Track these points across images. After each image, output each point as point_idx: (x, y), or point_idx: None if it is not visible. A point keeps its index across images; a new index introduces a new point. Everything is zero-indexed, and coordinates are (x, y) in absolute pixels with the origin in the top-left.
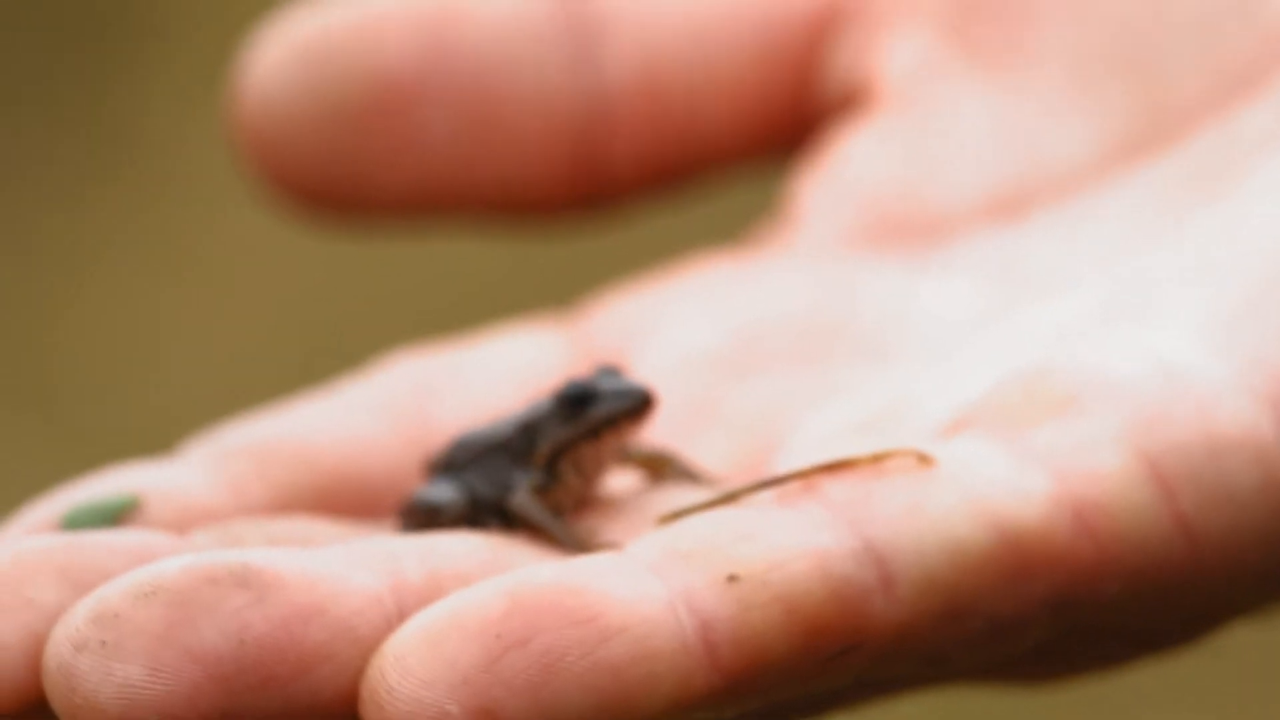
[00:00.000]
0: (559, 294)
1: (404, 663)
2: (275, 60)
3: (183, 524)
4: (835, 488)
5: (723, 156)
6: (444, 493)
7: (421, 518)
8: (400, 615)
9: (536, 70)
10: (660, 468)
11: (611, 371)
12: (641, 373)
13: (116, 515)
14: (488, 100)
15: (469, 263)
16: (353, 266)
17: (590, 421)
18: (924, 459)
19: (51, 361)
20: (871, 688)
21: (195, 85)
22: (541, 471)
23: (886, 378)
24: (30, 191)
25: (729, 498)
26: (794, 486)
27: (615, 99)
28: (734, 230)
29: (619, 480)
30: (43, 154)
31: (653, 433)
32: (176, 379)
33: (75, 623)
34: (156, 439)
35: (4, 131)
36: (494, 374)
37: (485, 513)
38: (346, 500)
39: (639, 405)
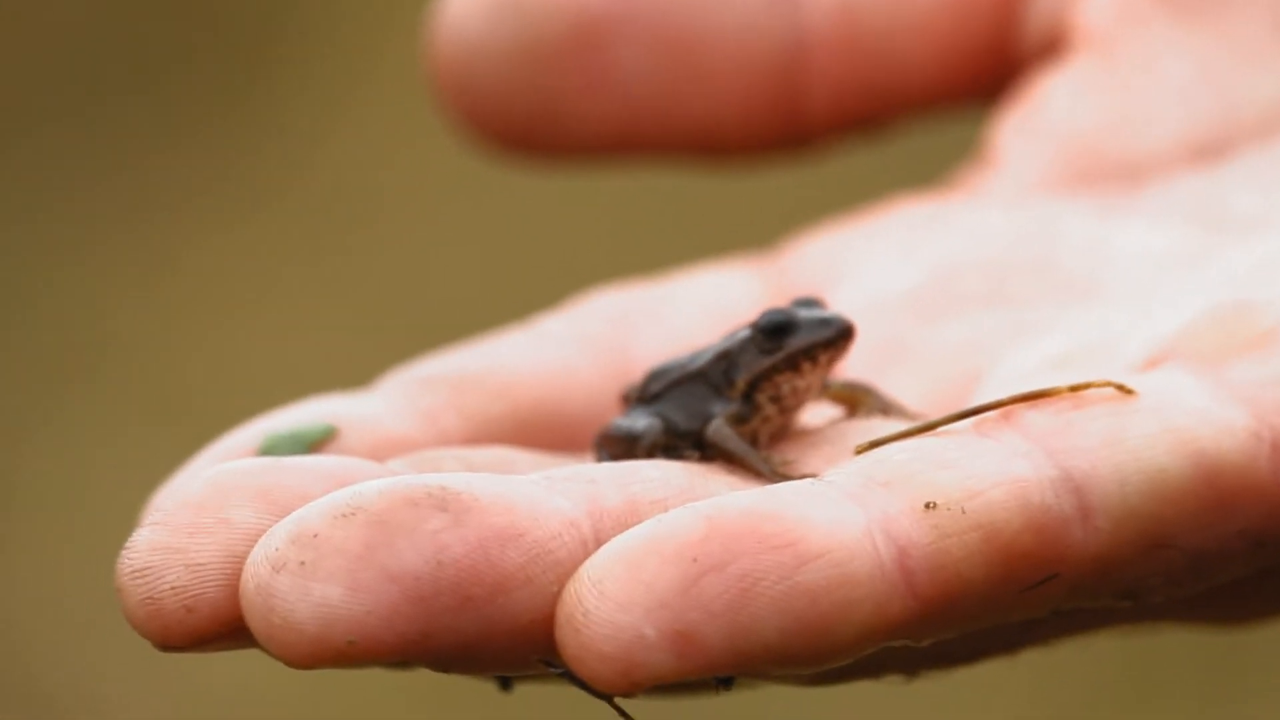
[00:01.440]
0: (756, 226)
1: (601, 586)
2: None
3: (378, 453)
4: (1034, 418)
5: (920, 101)
6: (641, 421)
7: (618, 446)
8: (597, 540)
9: (736, 9)
10: (858, 401)
11: (810, 303)
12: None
13: (313, 443)
14: (686, 39)
15: (664, 197)
16: (548, 201)
17: (789, 351)
18: (1123, 390)
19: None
20: (1067, 622)
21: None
22: (739, 401)
23: (1085, 317)
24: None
25: (927, 427)
26: (992, 417)
27: (813, 40)
28: (932, 171)
29: (816, 413)
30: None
31: (849, 371)
32: (375, 318)
33: (274, 543)
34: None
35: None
36: (692, 310)
37: (682, 442)
38: (544, 432)
39: (838, 335)
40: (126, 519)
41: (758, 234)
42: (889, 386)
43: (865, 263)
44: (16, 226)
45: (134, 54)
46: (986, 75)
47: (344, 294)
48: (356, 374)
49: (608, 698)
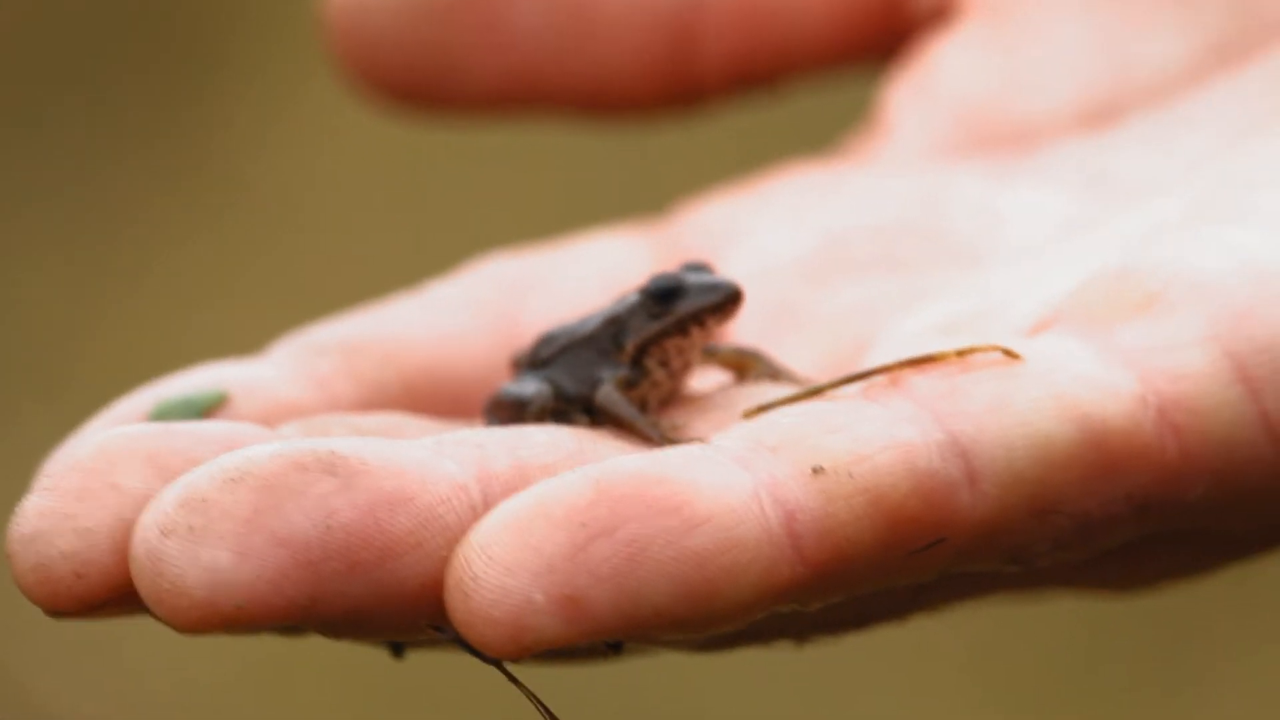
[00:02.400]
0: (650, 183)
1: (489, 550)
2: None
3: (270, 419)
4: (921, 382)
5: (812, 60)
6: (530, 387)
7: (508, 412)
8: (486, 504)
9: None
10: (747, 366)
11: (699, 268)
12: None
13: (204, 409)
14: None
15: (554, 154)
16: (439, 160)
17: (677, 316)
18: (1010, 355)
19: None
20: (956, 586)
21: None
22: (628, 366)
23: (975, 282)
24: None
25: (814, 392)
26: (880, 381)
27: None
28: (823, 132)
29: (706, 378)
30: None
31: (740, 337)
32: (274, 286)
33: (163, 507)
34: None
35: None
36: (583, 276)
37: (571, 407)
38: (434, 398)
39: (726, 300)
40: None
41: (652, 191)
42: (780, 352)
43: (756, 229)
44: None
45: (72, 66)
46: (879, 36)
47: (296, 295)
48: None
49: (496, 662)
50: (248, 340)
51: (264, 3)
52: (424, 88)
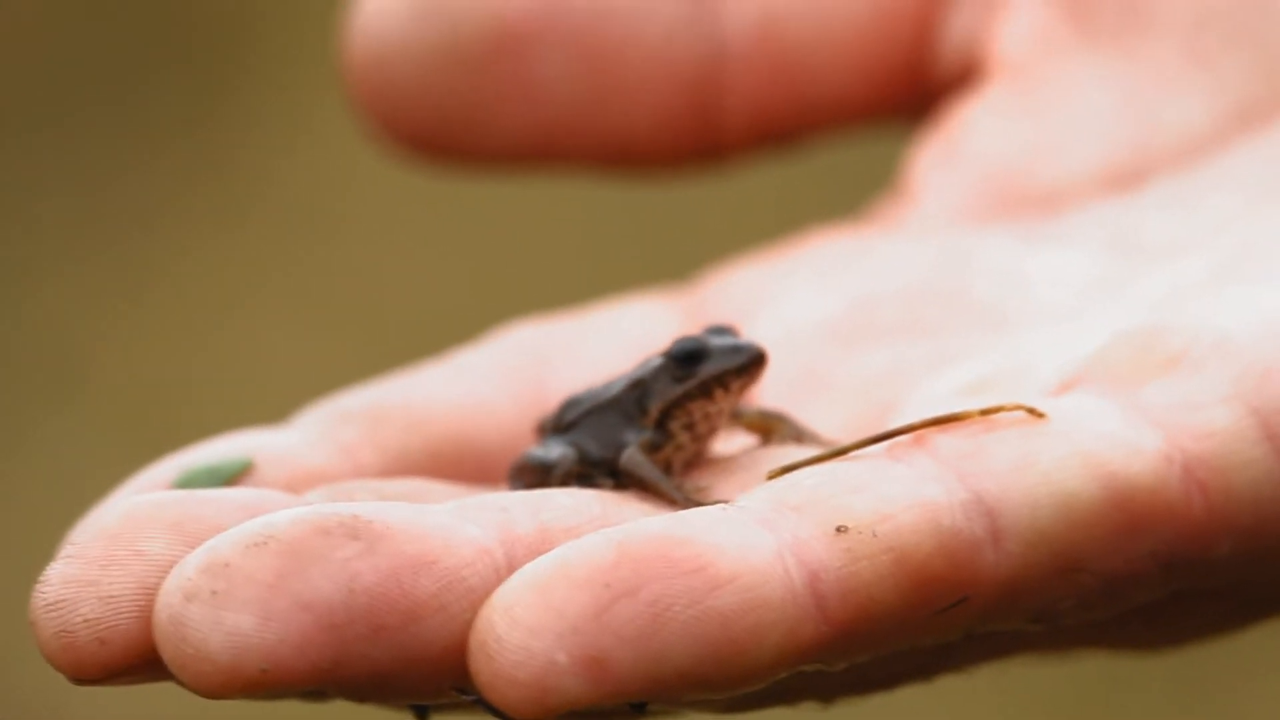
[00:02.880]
0: (668, 233)
1: (512, 612)
2: (388, 1)
3: (294, 486)
4: (945, 442)
5: (836, 118)
6: (555, 451)
7: (533, 476)
8: (510, 567)
9: (657, 20)
10: (772, 429)
11: (723, 330)
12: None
13: (229, 477)
14: (607, 48)
15: (576, 199)
16: (504, 208)
17: (701, 378)
18: (1034, 414)
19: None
20: (982, 646)
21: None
22: (652, 429)
23: (1000, 344)
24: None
25: (839, 452)
26: (904, 441)
27: (733, 54)
28: (846, 187)
29: (731, 441)
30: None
31: (766, 403)
32: (293, 293)
33: (186, 573)
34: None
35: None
36: (609, 342)
37: (596, 471)
38: (460, 465)
39: (750, 362)
40: None
41: (677, 244)
42: (807, 417)
43: (783, 294)
44: None
45: (97, 70)
46: (903, 96)
47: (317, 303)
48: (332, 381)
49: None
50: (267, 347)
51: (287, 15)
52: (447, 140)
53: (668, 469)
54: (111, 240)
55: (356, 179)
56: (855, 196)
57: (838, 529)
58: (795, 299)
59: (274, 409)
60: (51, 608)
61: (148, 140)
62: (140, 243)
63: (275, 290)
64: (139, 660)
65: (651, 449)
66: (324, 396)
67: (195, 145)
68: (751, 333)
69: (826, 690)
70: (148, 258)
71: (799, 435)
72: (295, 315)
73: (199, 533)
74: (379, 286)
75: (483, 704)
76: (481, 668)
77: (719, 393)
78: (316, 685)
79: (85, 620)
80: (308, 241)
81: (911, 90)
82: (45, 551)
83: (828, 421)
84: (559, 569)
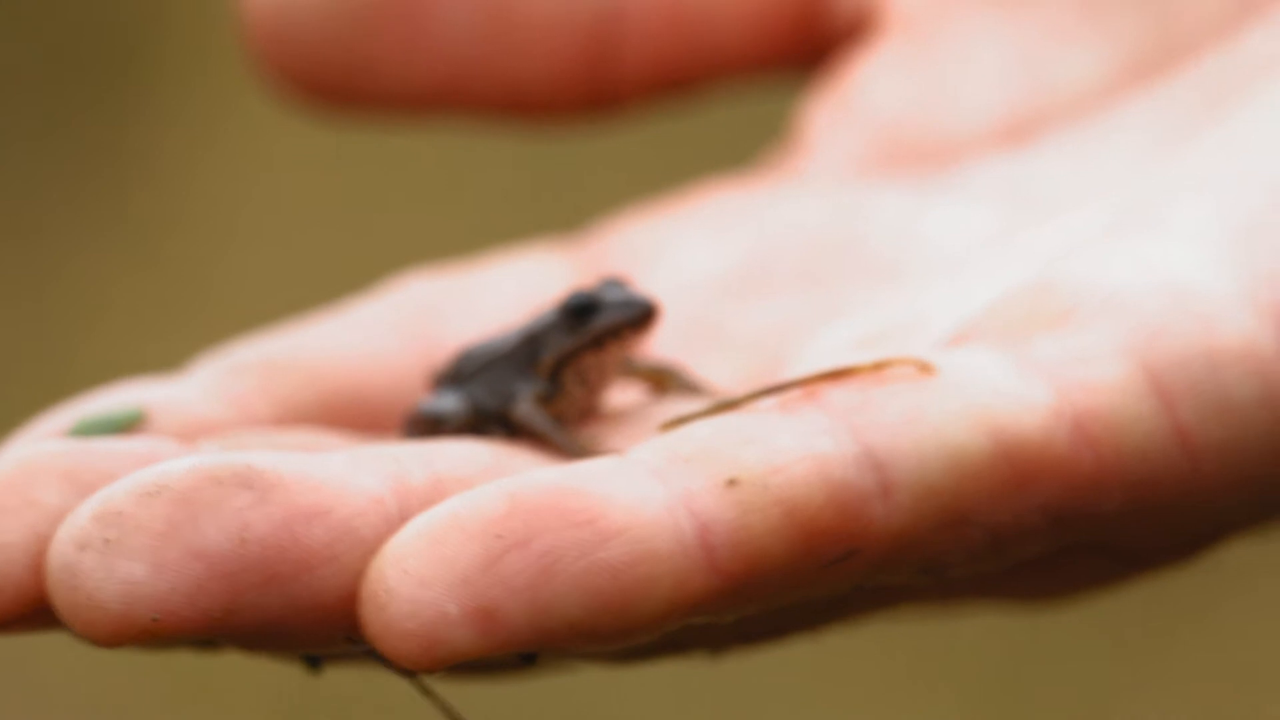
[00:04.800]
0: (563, 185)
1: (403, 563)
2: None
3: (188, 437)
4: (836, 395)
5: (731, 69)
6: (447, 402)
7: (425, 427)
8: (402, 517)
9: None
10: (664, 381)
11: (616, 283)
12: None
13: (123, 427)
14: None
15: (481, 157)
16: (362, 169)
17: (594, 331)
18: (925, 367)
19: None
20: (871, 598)
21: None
22: (545, 381)
23: (893, 298)
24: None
25: (730, 404)
26: (796, 394)
27: (628, 5)
28: (738, 142)
29: (624, 393)
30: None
31: (660, 353)
32: (206, 303)
33: (79, 521)
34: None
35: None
36: (501, 294)
37: (489, 422)
38: (352, 416)
39: (643, 315)
40: None
41: (572, 195)
42: (700, 369)
43: (677, 247)
44: None
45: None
46: (798, 47)
47: (206, 306)
48: None
49: (411, 675)
50: (177, 358)
51: (193, 17)
52: (343, 88)
53: (561, 421)
54: (23, 260)
55: (262, 185)
56: (749, 149)
57: (729, 481)
58: (689, 251)
59: None
60: None
61: (54, 159)
62: (34, 246)
63: (186, 302)
64: (31, 609)
65: (544, 401)
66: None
67: (104, 159)
68: (645, 285)
69: (716, 642)
70: (42, 260)
71: (692, 387)
72: (206, 324)
73: (92, 482)
74: (285, 289)
75: (373, 655)
76: (372, 618)
77: (611, 345)
78: (208, 634)
79: None
80: (218, 251)
81: (806, 42)
82: None
83: (721, 374)
84: (450, 520)
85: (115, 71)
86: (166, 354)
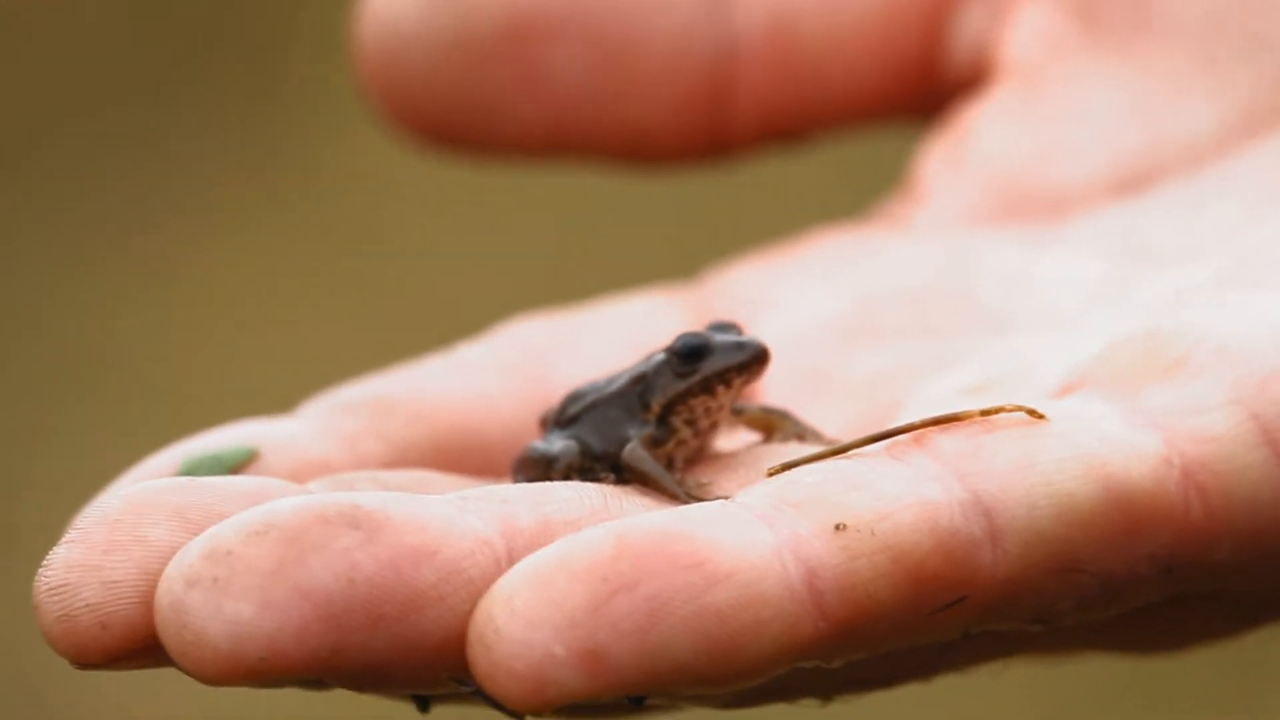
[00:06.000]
0: (676, 225)
1: (511, 604)
2: None
3: (298, 476)
4: (945, 442)
5: (843, 117)
6: (557, 444)
7: (535, 469)
8: (510, 559)
9: (670, 15)
10: (774, 426)
11: (726, 327)
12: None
13: (233, 466)
14: (619, 41)
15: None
16: (484, 189)
17: (703, 374)
18: (1035, 415)
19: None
20: (981, 646)
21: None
22: (654, 424)
23: (1004, 346)
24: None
25: (839, 450)
26: (904, 441)
27: (744, 50)
28: (853, 184)
29: (734, 438)
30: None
31: (770, 401)
32: (381, 319)
33: (188, 559)
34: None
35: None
36: (611, 338)
37: (599, 465)
38: (462, 457)
39: (752, 359)
40: None
41: (685, 236)
42: (810, 415)
43: (788, 292)
44: (26, 230)
45: (143, 58)
46: (912, 96)
47: (351, 296)
48: (353, 372)
49: (519, 716)
50: (289, 339)
51: (328, 9)
52: (457, 130)
53: (669, 464)
54: (145, 228)
55: (379, 174)
56: (862, 194)
57: (836, 526)
58: (800, 297)
59: (296, 401)
60: (54, 592)
61: (185, 130)
62: (174, 231)
63: (311, 280)
64: (140, 646)
65: (653, 444)
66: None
67: (233, 135)
68: (756, 330)
69: (825, 687)
70: (183, 246)
71: (801, 433)
72: (320, 308)
73: (201, 520)
74: (391, 277)
75: (482, 695)
76: (479, 659)
77: (721, 389)
78: (315, 674)
79: (87, 605)
80: (345, 231)
81: (920, 90)
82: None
83: (830, 420)
84: (558, 562)
85: (249, 82)
86: (281, 348)
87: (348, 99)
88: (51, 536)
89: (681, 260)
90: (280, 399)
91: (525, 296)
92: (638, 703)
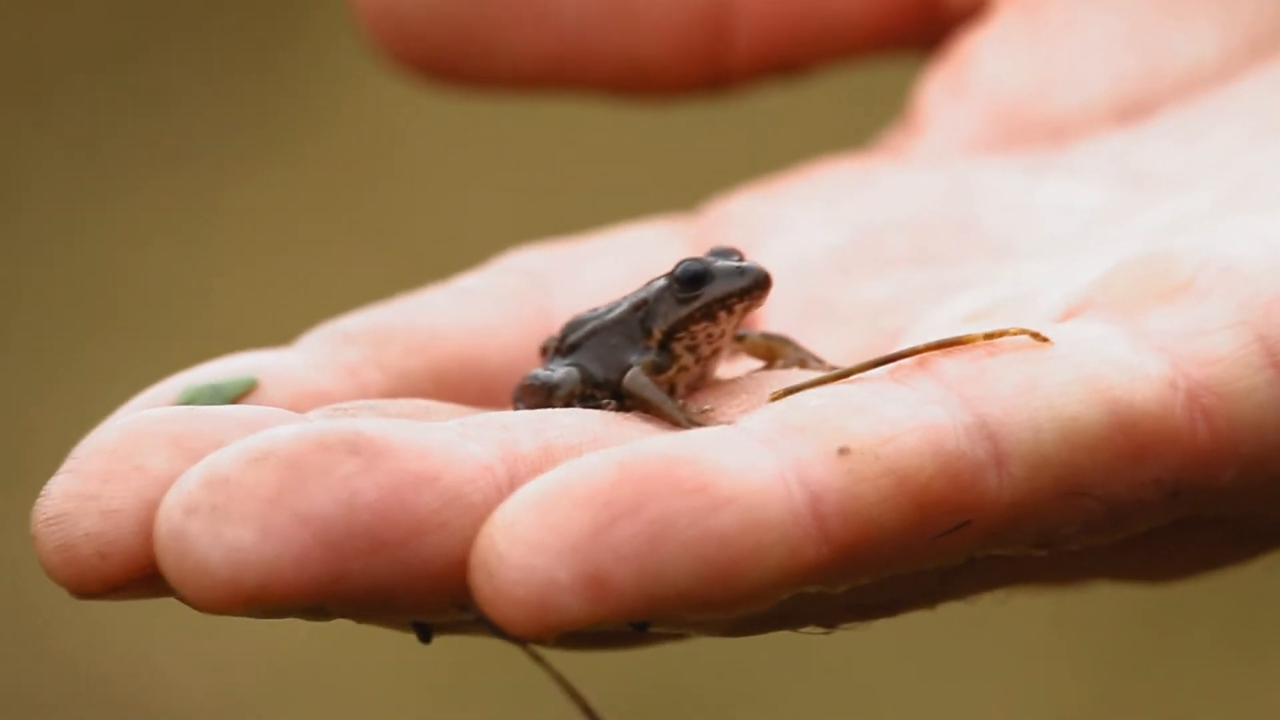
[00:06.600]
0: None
1: (513, 530)
2: None
3: (298, 405)
4: (949, 365)
5: (844, 48)
6: (558, 371)
7: (536, 396)
8: (511, 485)
9: None
10: (776, 352)
11: (727, 253)
12: None
13: (233, 396)
14: None
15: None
16: (570, 142)
17: (705, 300)
18: (1039, 339)
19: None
20: (987, 573)
21: None
22: (656, 351)
23: (1006, 272)
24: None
25: (842, 375)
26: (908, 365)
27: None
28: (853, 114)
29: (735, 364)
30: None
31: (771, 328)
32: (405, 261)
33: (187, 487)
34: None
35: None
36: (612, 266)
37: (600, 392)
38: (463, 386)
39: (754, 284)
40: None
41: (683, 168)
42: (812, 344)
43: (789, 222)
44: (46, 174)
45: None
46: (914, 28)
47: (366, 236)
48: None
49: (522, 643)
50: (306, 276)
51: None
52: (457, 65)
53: (671, 391)
54: (168, 170)
55: (392, 116)
56: (862, 126)
57: (840, 450)
58: (801, 227)
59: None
60: (52, 521)
61: (205, 72)
62: (196, 173)
63: (334, 222)
64: (139, 575)
65: (655, 370)
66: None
67: (254, 77)
68: (757, 259)
69: (829, 614)
70: (205, 188)
71: (803, 359)
72: (335, 248)
73: (199, 448)
74: (405, 217)
75: (483, 622)
76: (482, 585)
77: (722, 315)
78: (316, 601)
79: (86, 534)
80: (366, 174)
81: (920, 20)
82: None
83: (832, 348)
84: (560, 487)
85: (262, 26)
86: (303, 282)
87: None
88: (62, 459)
89: (681, 193)
90: (294, 338)
91: (530, 229)
92: (641, 629)
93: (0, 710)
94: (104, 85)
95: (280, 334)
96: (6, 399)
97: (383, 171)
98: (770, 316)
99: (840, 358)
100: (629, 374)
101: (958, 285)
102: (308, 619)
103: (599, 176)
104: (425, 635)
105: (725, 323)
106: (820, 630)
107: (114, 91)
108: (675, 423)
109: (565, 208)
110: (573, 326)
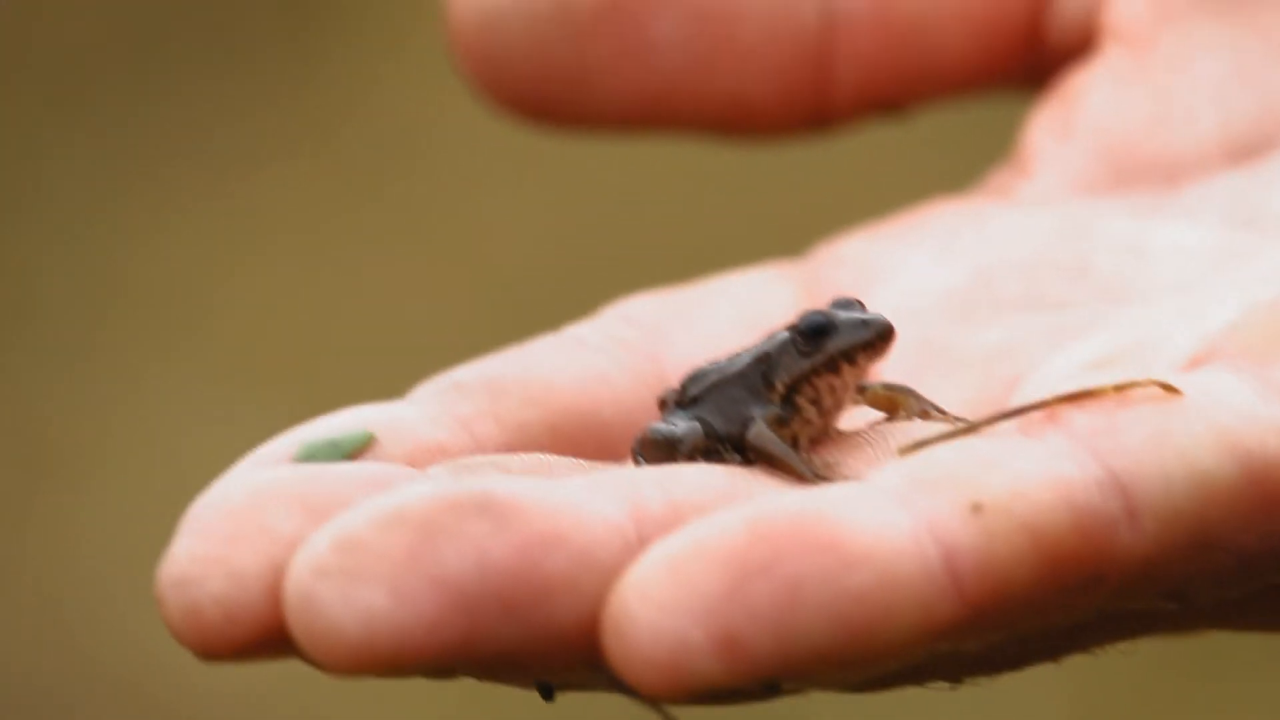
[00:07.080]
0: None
1: (645, 591)
2: None
3: (416, 460)
4: (1078, 418)
5: (947, 86)
6: (681, 425)
7: (658, 451)
8: (641, 544)
9: None
10: (899, 403)
11: (848, 304)
12: None
13: (350, 451)
14: (719, 10)
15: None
16: (597, 158)
17: (828, 353)
18: (1168, 390)
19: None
20: (1114, 625)
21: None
22: (779, 404)
23: (1125, 317)
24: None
25: (971, 428)
26: (1036, 417)
27: (845, 19)
28: (957, 154)
29: (857, 416)
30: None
31: (887, 375)
32: (424, 258)
33: (317, 549)
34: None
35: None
36: (724, 316)
37: (723, 446)
38: (579, 439)
39: (878, 336)
40: (179, 469)
41: (786, 211)
42: (927, 391)
43: (900, 266)
44: (69, 161)
45: (211, 18)
46: (1017, 64)
47: (391, 226)
48: (406, 314)
49: (656, 704)
50: (364, 283)
51: None
52: (554, 102)
53: (795, 444)
54: (186, 159)
55: (438, 107)
56: (967, 164)
57: (973, 506)
58: (913, 271)
59: (333, 330)
60: (178, 584)
61: (227, 62)
62: (214, 162)
63: (339, 215)
64: (267, 638)
65: (778, 424)
66: (431, 339)
67: (277, 67)
68: (870, 305)
69: (956, 670)
70: (223, 177)
71: (925, 410)
72: (358, 239)
73: (326, 508)
74: (432, 207)
75: (616, 684)
76: (614, 646)
77: (846, 368)
78: (448, 664)
79: (213, 597)
80: (387, 166)
81: (1025, 58)
82: (160, 501)
83: (949, 395)
84: (692, 547)
85: (288, 13)
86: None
87: (386, 30)
88: (78, 454)
89: (780, 235)
90: (317, 328)
91: (615, 266)
92: (772, 688)
93: (26, 710)
94: (127, 73)
95: (301, 321)
96: (25, 391)
97: (408, 158)
98: (885, 362)
99: (957, 405)
100: (753, 428)
101: (1074, 330)
102: (432, 678)
103: (671, 212)
104: (548, 694)
105: (848, 375)
106: (946, 686)
107: (138, 79)
108: (801, 477)
109: (625, 241)
110: (693, 379)
